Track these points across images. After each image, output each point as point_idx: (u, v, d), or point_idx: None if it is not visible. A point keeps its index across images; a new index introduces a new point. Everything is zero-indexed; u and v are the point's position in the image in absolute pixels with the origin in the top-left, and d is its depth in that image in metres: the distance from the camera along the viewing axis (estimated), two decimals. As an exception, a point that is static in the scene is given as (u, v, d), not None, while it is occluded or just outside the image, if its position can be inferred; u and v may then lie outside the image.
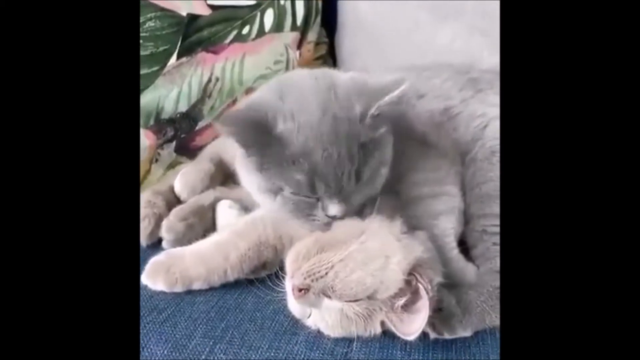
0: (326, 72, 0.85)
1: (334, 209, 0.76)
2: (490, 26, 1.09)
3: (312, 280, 0.71)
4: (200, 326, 0.75)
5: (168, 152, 1.19)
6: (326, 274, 0.71)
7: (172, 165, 1.18)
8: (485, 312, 0.75)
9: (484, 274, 0.80)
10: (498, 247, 0.80)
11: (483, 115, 0.90)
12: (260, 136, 0.75)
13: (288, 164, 0.74)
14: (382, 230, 0.75)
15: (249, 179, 0.83)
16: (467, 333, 0.74)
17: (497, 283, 0.77)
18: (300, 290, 0.71)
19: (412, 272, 0.71)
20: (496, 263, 0.80)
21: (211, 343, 0.72)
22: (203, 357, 0.70)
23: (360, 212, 0.79)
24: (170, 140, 1.19)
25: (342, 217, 0.77)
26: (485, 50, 1.11)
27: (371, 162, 0.76)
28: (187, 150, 1.21)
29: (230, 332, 0.74)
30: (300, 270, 0.72)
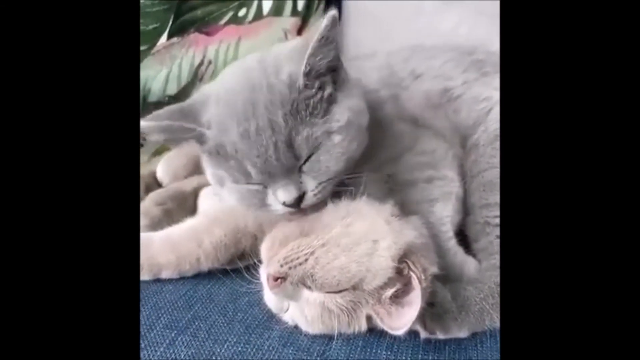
0: (275, 46, 0.76)
1: (282, 193, 0.66)
2: (498, 9, 1.01)
3: (290, 268, 0.63)
4: (164, 316, 0.67)
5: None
6: (305, 260, 0.63)
7: (158, 152, 1.12)
8: (484, 311, 0.66)
9: (485, 270, 0.72)
10: (502, 241, 0.72)
11: (488, 98, 0.82)
12: (191, 131, 0.67)
13: (218, 149, 0.67)
14: (370, 211, 0.67)
15: (207, 174, 0.74)
16: (463, 334, 0.65)
17: (499, 279, 0.68)
18: (276, 279, 0.63)
19: (404, 259, 0.63)
20: (499, 258, 0.71)
21: (173, 334, 0.64)
22: (161, 348, 0.62)
23: (339, 195, 0.69)
24: (157, 126, 1.12)
25: (299, 203, 0.67)
26: (494, 34, 1.02)
27: (308, 131, 0.65)
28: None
29: (197, 323, 0.67)
30: (276, 257, 0.64)
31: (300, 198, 0.67)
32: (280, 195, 0.66)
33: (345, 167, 0.69)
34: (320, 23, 0.64)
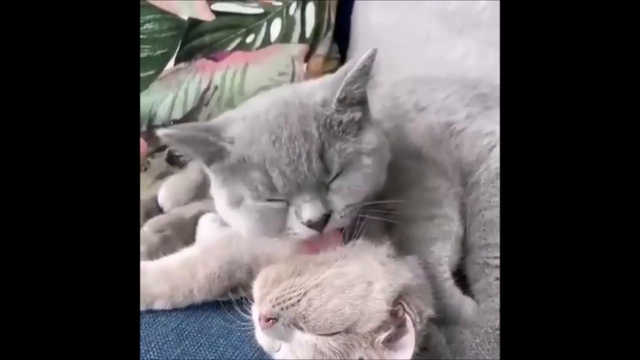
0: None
1: (307, 210, 0.63)
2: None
3: (282, 309, 0.62)
4: (153, 350, 0.67)
5: (159, 162, 1.13)
6: (298, 301, 0.61)
7: (162, 176, 1.11)
8: (480, 356, 0.64)
9: (483, 312, 0.70)
10: (501, 283, 0.70)
11: (491, 134, 0.80)
12: (212, 145, 0.66)
13: (240, 164, 0.65)
14: (364, 253, 0.65)
15: (218, 199, 0.73)
16: (457, 380, 0.63)
17: (497, 323, 0.66)
18: (267, 320, 0.62)
19: (399, 301, 0.61)
20: (498, 300, 0.69)
21: (160, 370, 0.63)
22: (148, 386, 0.61)
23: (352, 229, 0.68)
24: (161, 149, 1.13)
25: (324, 224, 0.65)
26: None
27: (341, 145, 0.65)
28: (180, 161, 1.13)
29: (185, 359, 0.65)
30: (268, 296, 0.63)
31: (325, 219, 0.65)
32: (305, 212, 0.64)
33: (367, 196, 0.68)
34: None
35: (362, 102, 0.69)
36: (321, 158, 0.64)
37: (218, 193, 0.72)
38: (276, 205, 0.65)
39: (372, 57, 0.65)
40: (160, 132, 0.65)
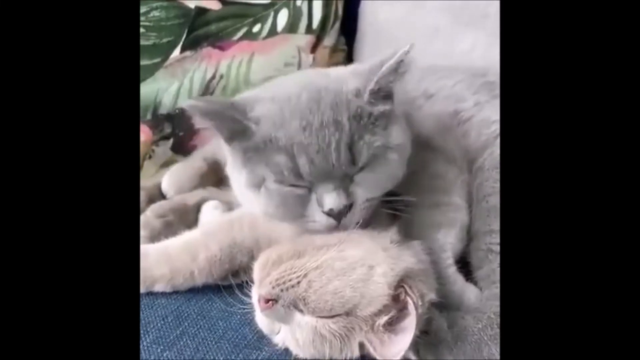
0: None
1: (330, 199, 0.63)
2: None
3: (282, 290, 0.61)
4: (152, 331, 0.66)
5: (163, 150, 1.12)
6: (298, 283, 0.61)
7: (166, 164, 1.11)
8: (482, 342, 0.63)
9: (487, 299, 0.69)
10: (505, 269, 0.69)
11: (498, 122, 0.79)
12: (236, 122, 0.65)
13: (266, 145, 0.64)
14: (366, 238, 0.65)
15: (235, 179, 0.72)
16: (458, 365, 0.62)
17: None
18: (267, 301, 0.61)
19: (401, 284, 0.60)
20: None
21: (159, 350, 0.63)
22: (145, 365, 0.61)
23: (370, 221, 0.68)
24: (167, 137, 1.12)
25: (344, 216, 0.64)
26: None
27: (370, 138, 0.65)
28: (185, 149, 1.13)
29: (185, 340, 0.65)
30: (268, 278, 0.62)
31: (346, 211, 0.64)
32: (327, 201, 0.63)
33: (387, 190, 0.68)
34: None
35: (391, 96, 0.68)
36: (349, 149, 0.64)
37: (237, 173, 0.71)
38: (299, 191, 0.65)
39: (408, 52, 0.65)
40: (185, 104, 0.65)
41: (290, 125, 0.63)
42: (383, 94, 0.67)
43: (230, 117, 0.65)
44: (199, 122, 0.68)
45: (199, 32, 1.12)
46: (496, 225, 0.72)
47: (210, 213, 0.89)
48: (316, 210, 0.65)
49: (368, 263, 0.61)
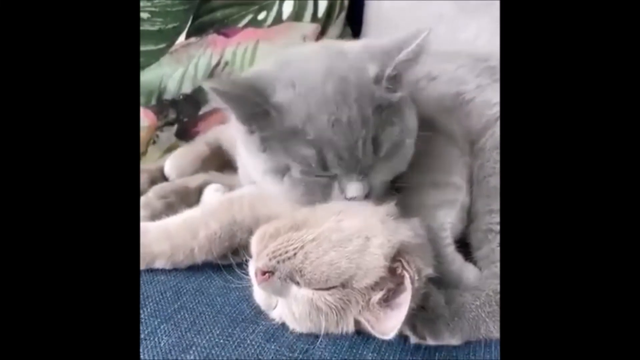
0: (336, 41, 0.76)
1: (353, 188, 0.65)
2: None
3: (278, 262, 0.61)
4: (150, 304, 0.66)
5: (167, 136, 1.13)
6: (294, 254, 0.61)
7: (170, 149, 1.11)
8: (480, 319, 0.63)
9: (486, 278, 0.68)
10: (505, 249, 0.69)
11: (499, 104, 0.79)
12: (257, 106, 0.65)
13: (291, 136, 0.64)
14: (364, 210, 0.64)
15: (253, 162, 0.72)
16: (456, 341, 0.62)
17: (499, 287, 0.65)
18: (264, 273, 0.61)
19: (397, 258, 0.60)
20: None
21: (155, 322, 0.63)
22: (142, 336, 0.61)
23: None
24: (171, 123, 1.13)
25: (362, 199, 0.67)
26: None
27: (390, 129, 0.66)
28: (189, 135, 1.14)
29: (182, 313, 0.65)
30: (265, 250, 0.62)
31: (366, 196, 0.67)
32: (350, 191, 0.66)
33: (400, 172, 0.71)
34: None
35: (402, 81, 0.69)
36: (374, 143, 0.65)
37: (254, 157, 0.71)
38: (323, 180, 0.67)
39: (427, 37, 0.65)
40: (206, 85, 0.65)
41: (317, 120, 0.64)
42: (399, 79, 0.67)
43: (251, 101, 0.65)
44: (216, 103, 0.67)
45: (205, 18, 1.12)
46: (496, 205, 0.71)
47: (212, 195, 0.89)
48: (338, 197, 0.67)
49: (365, 234, 0.61)
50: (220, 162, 1.00)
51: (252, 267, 0.64)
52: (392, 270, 0.60)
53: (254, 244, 0.65)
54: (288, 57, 0.72)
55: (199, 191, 0.92)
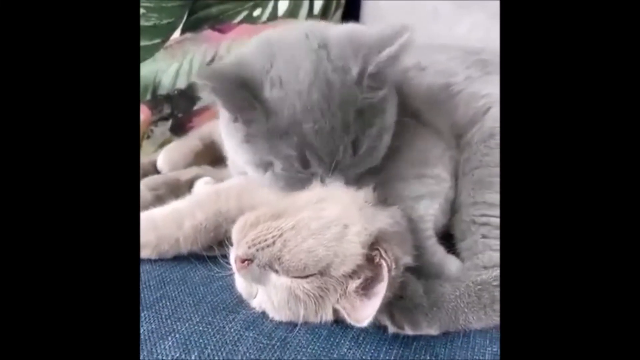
0: (319, 26, 0.74)
1: (330, 181, 0.68)
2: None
3: (257, 250, 0.61)
4: (132, 292, 0.66)
5: (162, 131, 1.14)
6: (273, 242, 0.61)
7: (164, 144, 1.12)
8: (459, 309, 0.63)
9: (467, 269, 0.68)
10: (487, 241, 0.69)
11: (487, 95, 0.78)
12: (246, 100, 0.65)
13: (276, 137, 0.65)
14: (344, 197, 0.65)
15: (236, 150, 0.73)
16: (434, 331, 0.62)
17: (479, 278, 0.65)
18: (243, 261, 0.62)
19: (375, 247, 0.60)
20: (483, 258, 0.68)
21: (136, 310, 0.63)
22: (121, 322, 0.61)
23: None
24: (166, 118, 1.14)
25: None
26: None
27: (370, 131, 0.67)
28: (183, 130, 1.15)
29: (164, 302, 0.66)
30: (245, 238, 0.63)
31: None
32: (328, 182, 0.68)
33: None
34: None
35: (387, 78, 0.68)
36: (354, 146, 0.67)
37: (237, 145, 0.71)
38: (303, 176, 0.68)
39: (410, 37, 0.64)
40: (197, 79, 0.66)
41: (302, 127, 0.65)
42: (381, 77, 0.67)
43: (239, 96, 0.65)
44: (206, 98, 0.68)
45: (200, 14, 1.13)
46: (479, 197, 0.71)
47: (201, 189, 0.90)
48: (317, 187, 0.68)
49: (343, 222, 0.61)
50: (213, 156, 1.01)
51: (233, 255, 0.64)
52: (370, 259, 0.60)
53: (235, 232, 0.65)
54: (273, 45, 0.71)
55: (190, 184, 0.93)
